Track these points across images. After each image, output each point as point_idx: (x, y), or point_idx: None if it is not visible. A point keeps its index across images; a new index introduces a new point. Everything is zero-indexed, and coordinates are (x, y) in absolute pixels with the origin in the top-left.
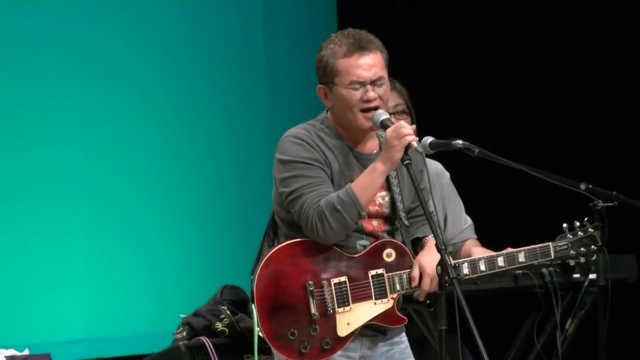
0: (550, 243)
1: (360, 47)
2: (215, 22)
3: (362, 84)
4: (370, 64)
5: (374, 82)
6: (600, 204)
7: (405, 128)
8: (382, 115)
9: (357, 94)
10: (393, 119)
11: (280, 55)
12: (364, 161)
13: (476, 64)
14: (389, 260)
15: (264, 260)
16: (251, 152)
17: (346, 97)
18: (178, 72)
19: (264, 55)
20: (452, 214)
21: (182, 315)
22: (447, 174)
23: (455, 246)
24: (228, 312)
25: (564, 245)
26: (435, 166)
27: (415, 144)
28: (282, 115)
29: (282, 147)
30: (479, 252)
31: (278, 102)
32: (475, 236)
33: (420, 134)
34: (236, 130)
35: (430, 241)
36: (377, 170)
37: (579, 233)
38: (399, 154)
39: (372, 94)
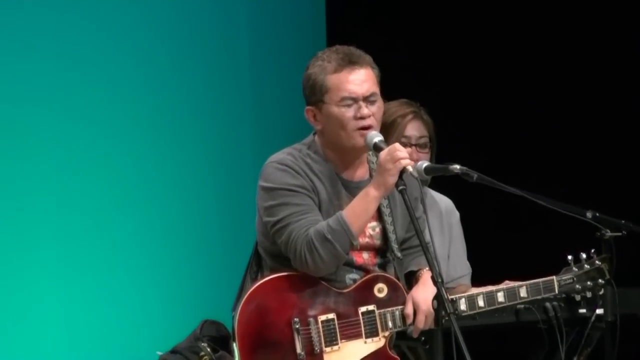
0: (554, 277)
1: (350, 62)
2: (199, 39)
3: (355, 100)
4: (362, 79)
5: (366, 99)
6: (608, 233)
7: (401, 151)
8: (376, 137)
9: (350, 111)
10: (414, 152)
11: (266, 74)
12: (353, 189)
13: (476, 85)
14: (380, 295)
15: (247, 295)
16: (234, 178)
17: (338, 115)
18: (151, 94)
19: (249, 76)
20: (454, 256)
21: (159, 353)
22: (457, 214)
23: (451, 288)
24: (208, 349)
25: (569, 278)
26: (446, 203)
27: (410, 168)
28: (268, 139)
29: (266, 173)
30: (474, 290)
31: (263, 125)
32: (470, 285)
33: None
34: (217, 156)
35: (425, 274)
36: (369, 196)
37: (585, 265)
38: (393, 179)
39: (365, 110)
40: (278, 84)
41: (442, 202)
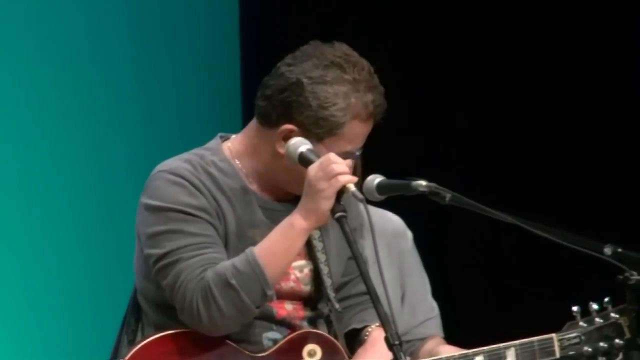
0: (553, 335)
1: (376, 114)
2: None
3: (350, 155)
4: (367, 134)
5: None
6: (635, 276)
7: (338, 164)
8: (302, 144)
9: None
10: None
11: (154, 64)
12: (273, 213)
13: (446, 83)
14: None
15: None
16: (106, 194)
17: None
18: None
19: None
20: (412, 295)
21: None
22: (409, 235)
23: (412, 344)
24: None
25: (575, 337)
26: (393, 223)
27: (352, 187)
28: (154, 143)
29: (152, 187)
30: (449, 350)
31: (149, 126)
32: (442, 333)
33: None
34: (85, 166)
35: (375, 333)
36: (295, 228)
37: (597, 320)
38: (328, 203)
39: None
40: (170, 74)
41: (388, 223)
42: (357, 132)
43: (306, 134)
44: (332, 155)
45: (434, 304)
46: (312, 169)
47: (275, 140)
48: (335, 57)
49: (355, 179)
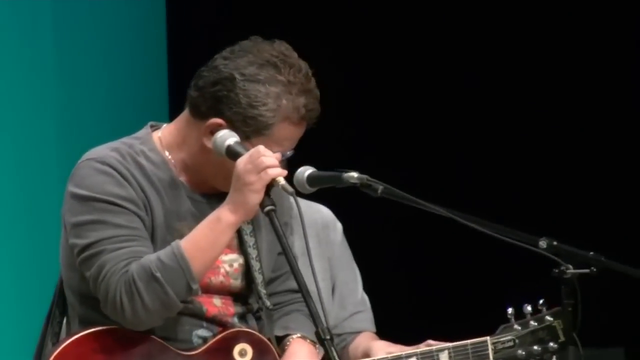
0: (488, 338)
1: (308, 118)
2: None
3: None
4: (298, 138)
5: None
6: (571, 270)
7: (267, 156)
8: (230, 137)
9: None
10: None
11: (78, 52)
12: (202, 206)
13: (381, 81)
14: None
15: None
16: (32, 182)
17: None
18: None
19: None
20: (341, 287)
21: None
22: (339, 226)
23: (342, 339)
24: None
25: (509, 340)
26: (322, 214)
27: (282, 180)
28: (81, 127)
29: (79, 175)
30: (381, 347)
31: (76, 109)
32: (373, 328)
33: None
34: (14, 153)
35: (294, 345)
36: (222, 222)
37: (532, 323)
38: (257, 197)
39: None
40: (96, 61)
41: (317, 214)
42: (286, 135)
43: (234, 130)
44: (262, 148)
45: (365, 298)
46: (241, 162)
47: (202, 133)
48: (271, 56)
49: (285, 172)
